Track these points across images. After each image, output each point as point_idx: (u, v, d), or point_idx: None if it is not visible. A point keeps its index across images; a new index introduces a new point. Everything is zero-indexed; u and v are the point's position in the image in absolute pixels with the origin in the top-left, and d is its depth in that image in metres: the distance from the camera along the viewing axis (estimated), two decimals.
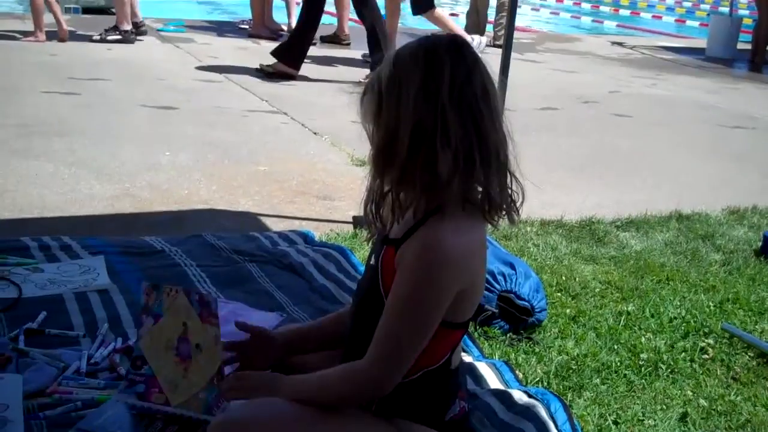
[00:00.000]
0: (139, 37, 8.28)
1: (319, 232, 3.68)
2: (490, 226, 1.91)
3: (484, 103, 1.79)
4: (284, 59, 7.08)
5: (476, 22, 10.18)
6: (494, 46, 9.65)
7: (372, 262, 1.96)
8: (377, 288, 1.89)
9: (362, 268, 2.73)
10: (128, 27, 8.08)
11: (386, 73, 1.80)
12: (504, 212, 1.87)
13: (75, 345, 2.48)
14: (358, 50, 8.26)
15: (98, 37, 7.93)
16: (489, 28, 10.33)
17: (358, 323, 1.99)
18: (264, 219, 3.86)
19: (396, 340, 1.82)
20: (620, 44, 12.10)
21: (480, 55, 1.85)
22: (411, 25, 10.41)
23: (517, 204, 1.89)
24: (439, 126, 1.74)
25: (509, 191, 1.86)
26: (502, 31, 9.62)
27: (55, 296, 2.79)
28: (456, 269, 1.79)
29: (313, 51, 8.81)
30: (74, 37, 8.11)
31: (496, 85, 1.87)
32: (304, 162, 4.80)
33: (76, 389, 2.22)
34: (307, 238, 3.53)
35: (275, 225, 3.78)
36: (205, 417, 2.03)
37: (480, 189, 1.82)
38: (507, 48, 4.08)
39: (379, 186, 1.86)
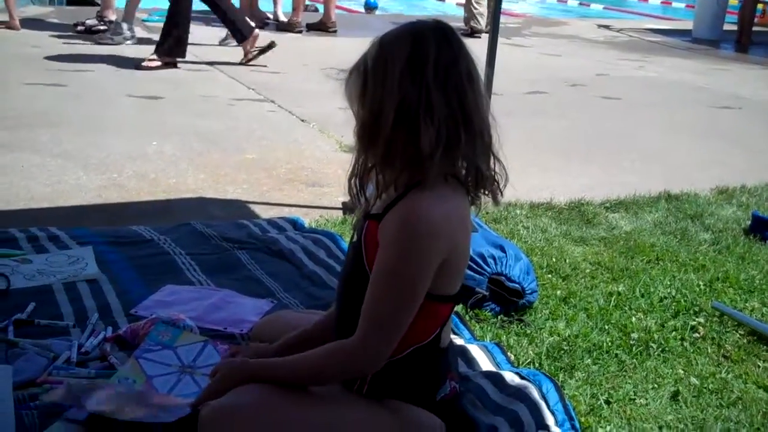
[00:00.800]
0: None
1: (308, 218, 3.67)
2: (475, 207, 1.93)
3: (470, 85, 1.83)
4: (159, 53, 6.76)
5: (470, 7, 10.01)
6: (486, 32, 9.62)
7: (354, 239, 1.96)
8: (362, 264, 1.90)
9: None
10: (113, 17, 8.03)
11: (372, 53, 1.84)
12: (488, 191, 1.89)
13: (65, 335, 2.46)
14: (345, 37, 8.25)
15: (82, 28, 7.88)
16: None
17: (345, 302, 1.99)
18: (253, 206, 3.85)
19: (383, 315, 1.83)
20: (607, 27, 12.11)
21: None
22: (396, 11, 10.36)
23: (501, 185, 1.91)
24: (423, 103, 1.78)
25: (493, 172, 1.88)
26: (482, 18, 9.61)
27: (43, 287, 2.77)
28: (437, 238, 1.81)
29: (300, 38, 8.82)
30: (58, 27, 8.07)
31: (482, 72, 1.90)
32: (292, 149, 4.78)
33: (67, 379, 2.20)
34: (296, 224, 3.52)
35: (264, 212, 3.77)
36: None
37: (465, 165, 1.85)
38: (494, 33, 4.06)
39: (364, 161, 1.89)
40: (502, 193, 1.93)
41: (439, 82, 1.78)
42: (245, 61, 7.06)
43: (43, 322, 2.52)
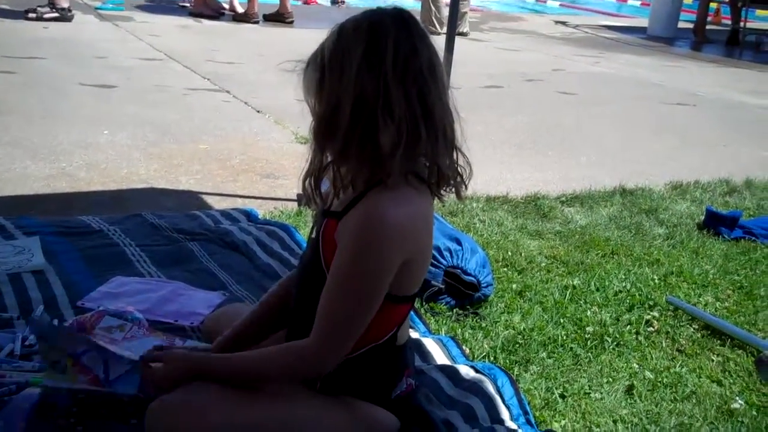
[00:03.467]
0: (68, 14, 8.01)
1: (262, 210, 3.62)
2: (436, 201, 1.88)
3: (431, 76, 1.75)
4: None
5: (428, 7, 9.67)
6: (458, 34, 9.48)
7: (313, 235, 1.91)
8: (318, 263, 1.85)
9: None
10: (66, 4, 7.89)
11: (330, 45, 1.76)
12: (451, 186, 1.84)
13: (9, 327, 2.39)
14: (302, 28, 8.18)
15: (34, 15, 7.72)
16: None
17: (301, 297, 1.94)
18: (206, 197, 3.78)
19: (339, 316, 1.78)
20: (563, 23, 12.18)
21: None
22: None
23: (465, 178, 1.86)
24: (381, 97, 1.70)
25: (456, 166, 1.83)
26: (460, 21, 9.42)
27: None
28: (398, 240, 1.75)
29: (256, 29, 8.74)
30: (9, 14, 7.90)
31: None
32: (247, 140, 4.72)
33: (10, 372, 2.13)
34: (250, 216, 3.46)
35: (218, 203, 3.71)
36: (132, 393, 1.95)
37: (427, 162, 1.79)
38: (452, 26, 4.04)
39: (320, 160, 1.81)
40: (466, 187, 1.87)
41: (398, 74, 1.71)
42: None
43: None
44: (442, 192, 1.85)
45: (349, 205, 1.79)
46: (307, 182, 1.84)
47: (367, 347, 1.87)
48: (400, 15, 1.78)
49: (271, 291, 2.13)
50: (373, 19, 1.76)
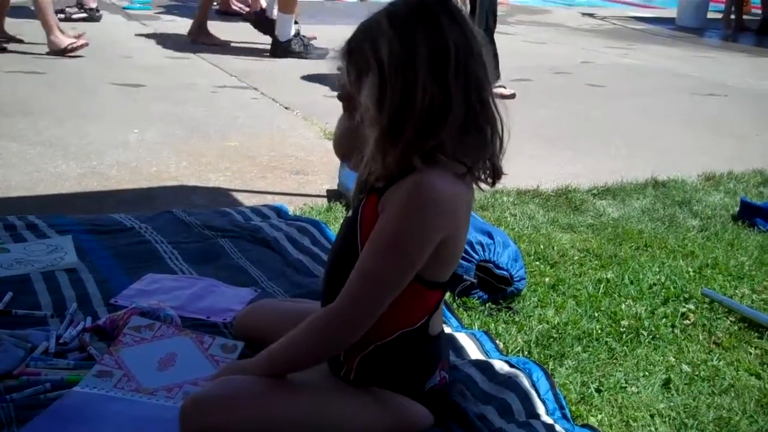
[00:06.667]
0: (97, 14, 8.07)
1: (292, 206, 3.61)
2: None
3: (483, 73, 1.76)
4: None
5: None
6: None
7: (350, 215, 1.91)
8: (354, 240, 1.84)
9: None
10: (94, 4, 7.95)
11: (387, 46, 1.72)
12: (490, 174, 1.85)
13: (43, 325, 2.40)
14: (326, 25, 8.17)
15: (62, 16, 7.76)
16: None
17: (332, 279, 1.93)
18: (236, 194, 3.78)
19: (371, 278, 1.77)
20: (591, 15, 12.09)
21: None
22: None
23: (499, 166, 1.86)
24: (446, 105, 1.71)
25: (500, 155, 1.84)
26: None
27: (21, 276, 2.70)
28: (443, 212, 1.76)
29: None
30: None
31: None
32: (276, 137, 4.72)
33: (45, 370, 2.14)
34: (280, 212, 3.46)
35: (247, 200, 3.71)
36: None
37: (478, 156, 1.80)
38: (479, 20, 4.02)
39: (382, 165, 1.79)
40: (500, 176, 1.87)
41: (461, 80, 1.71)
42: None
43: (21, 312, 2.45)
44: (483, 179, 1.84)
45: (393, 179, 1.79)
46: (362, 181, 1.85)
47: (398, 332, 1.87)
48: (446, 6, 1.75)
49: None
50: (426, 15, 1.73)
